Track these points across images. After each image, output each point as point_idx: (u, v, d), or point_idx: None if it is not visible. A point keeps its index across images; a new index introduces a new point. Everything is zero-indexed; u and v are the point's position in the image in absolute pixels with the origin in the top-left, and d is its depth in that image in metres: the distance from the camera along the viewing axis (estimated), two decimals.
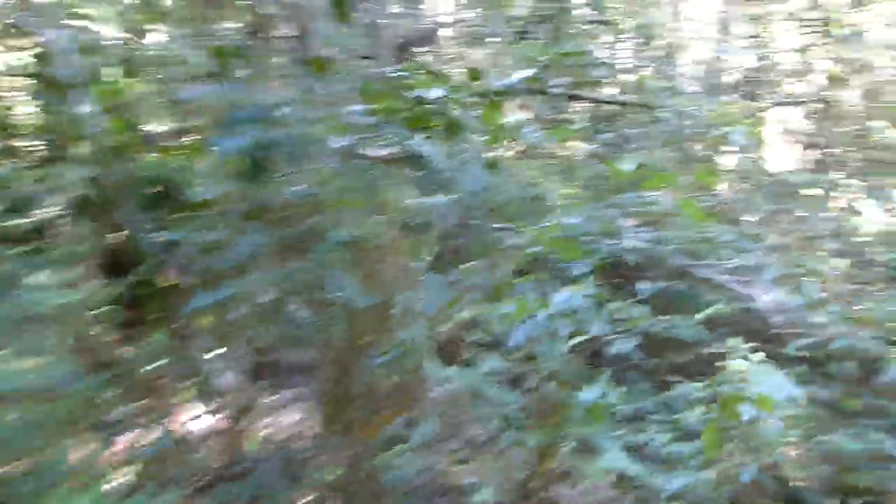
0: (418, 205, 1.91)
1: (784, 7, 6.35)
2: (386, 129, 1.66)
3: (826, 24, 6.11)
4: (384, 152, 1.70)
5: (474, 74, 2.01)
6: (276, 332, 2.03)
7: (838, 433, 2.98)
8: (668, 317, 3.04)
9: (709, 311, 2.88)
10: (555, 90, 4.62)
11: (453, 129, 1.77)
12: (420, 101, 1.85)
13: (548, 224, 3.03)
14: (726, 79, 6.96)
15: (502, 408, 2.40)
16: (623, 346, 2.83)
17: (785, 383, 2.74)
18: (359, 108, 1.65)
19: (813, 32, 6.28)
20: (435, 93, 1.82)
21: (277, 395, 2.84)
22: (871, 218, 4.74)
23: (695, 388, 2.85)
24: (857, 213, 4.80)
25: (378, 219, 1.83)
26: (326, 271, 1.64)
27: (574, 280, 3.24)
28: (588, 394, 2.23)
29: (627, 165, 2.30)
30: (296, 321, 1.93)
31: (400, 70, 2.07)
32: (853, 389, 3.34)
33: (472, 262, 2.42)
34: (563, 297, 2.31)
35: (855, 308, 3.51)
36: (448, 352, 2.70)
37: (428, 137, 1.77)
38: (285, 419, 2.69)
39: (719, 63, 7.07)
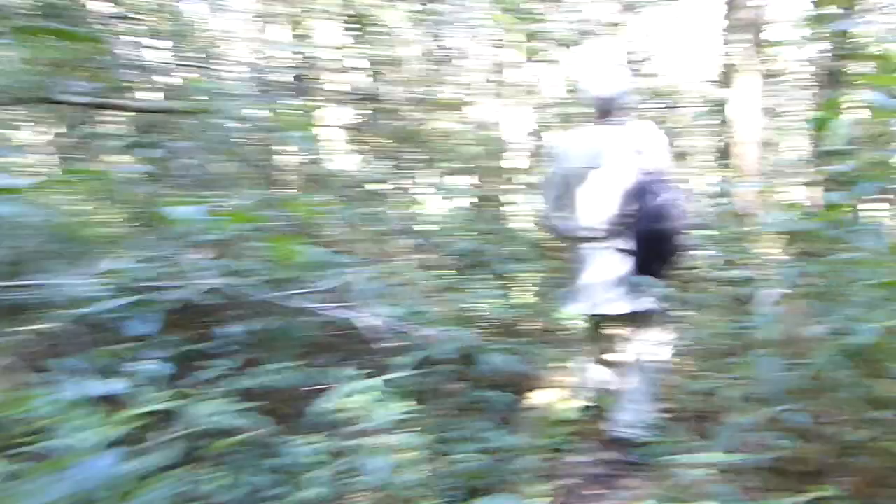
0: None
1: (321, 4, 6.30)
2: None
3: (361, 21, 6.23)
4: None
5: None
6: None
7: (449, 441, 2.90)
8: (259, 367, 2.54)
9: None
10: (74, 98, 3.70)
11: None
12: None
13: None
14: (277, 78, 6.67)
15: None
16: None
17: (398, 410, 2.50)
18: None
19: (350, 29, 6.37)
20: None
21: None
22: (435, 208, 4.97)
23: (309, 443, 2.42)
24: (422, 204, 4.99)
25: None
26: None
27: (139, 343, 2.52)
28: None
29: (188, 211, 1.67)
30: None
31: None
32: (457, 386, 3.34)
33: None
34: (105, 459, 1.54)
35: (443, 303, 3.53)
36: None
37: None
38: None
39: (268, 62, 6.75)
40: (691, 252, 4.49)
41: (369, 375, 2.52)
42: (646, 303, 3.19)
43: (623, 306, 3.19)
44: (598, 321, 3.50)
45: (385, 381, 2.49)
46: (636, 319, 3.27)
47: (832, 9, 3.32)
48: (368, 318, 2.60)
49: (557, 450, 3.30)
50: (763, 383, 2.31)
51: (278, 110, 4.73)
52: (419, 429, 2.58)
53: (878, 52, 3.67)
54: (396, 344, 2.79)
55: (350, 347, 2.87)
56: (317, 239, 3.71)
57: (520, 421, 3.32)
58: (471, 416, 3.14)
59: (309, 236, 3.90)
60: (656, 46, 7.43)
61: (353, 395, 2.48)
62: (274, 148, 4.76)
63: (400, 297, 3.17)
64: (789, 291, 2.36)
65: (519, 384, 3.66)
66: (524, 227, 5.01)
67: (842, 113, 2.73)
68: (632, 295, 3.18)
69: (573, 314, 3.53)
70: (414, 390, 2.74)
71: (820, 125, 2.02)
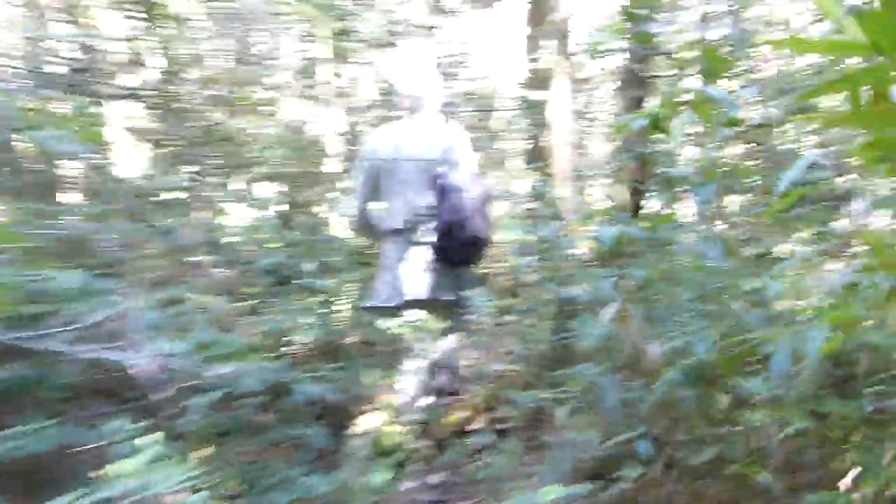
0: None
1: None
2: None
3: (150, 12, 5.55)
4: None
5: None
6: None
7: (258, 492, 2.49)
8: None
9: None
10: None
11: None
12: None
13: None
14: (50, 70, 5.75)
15: None
16: None
17: (186, 467, 2.06)
18: None
19: (138, 20, 5.65)
20: None
21: None
22: (238, 217, 4.47)
23: None
24: (224, 213, 4.46)
25: None
26: None
27: None
28: None
29: None
30: None
31: None
32: (265, 420, 2.92)
33: None
34: None
35: (245, 328, 3.09)
36: None
37: None
38: None
39: (38, 53, 5.81)
40: (521, 258, 4.45)
41: (149, 428, 2.05)
42: (449, 295, 3.34)
43: (426, 293, 3.31)
44: (407, 315, 3.37)
45: (168, 432, 2.03)
46: (441, 314, 3.31)
47: (638, 11, 3.35)
48: (145, 357, 2.12)
49: (387, 481, 3.01)
50: (600, 402, 2.17)
51: (48, 108, 4.01)
52: (217, 482, 2.16)
53: (679, 56, 3.78)
54: (183, 385, 2.32)
55: (124, 395, 2.36)
56: (88, 260, 3.09)
57: (343, 456, 2.98)
58: (285, 457, 2.73)
59: (83, 256, 3.27)
60: (470, 49, 7.42)
61: (128, 456, 2.00)
62: (39, 151, 4.01)
63: (191, 327, 2.69)
64: (620, 302, 2.24)
65: (340, 412, 3.31)
66: (339, 235, 4.66)
67: (644, 113, 2.68)
68: (435, 286, 3.32)
69: (386, 317, 3.33)
70: (210, 437, 2.30)
71: (653, 125, 1.94)
